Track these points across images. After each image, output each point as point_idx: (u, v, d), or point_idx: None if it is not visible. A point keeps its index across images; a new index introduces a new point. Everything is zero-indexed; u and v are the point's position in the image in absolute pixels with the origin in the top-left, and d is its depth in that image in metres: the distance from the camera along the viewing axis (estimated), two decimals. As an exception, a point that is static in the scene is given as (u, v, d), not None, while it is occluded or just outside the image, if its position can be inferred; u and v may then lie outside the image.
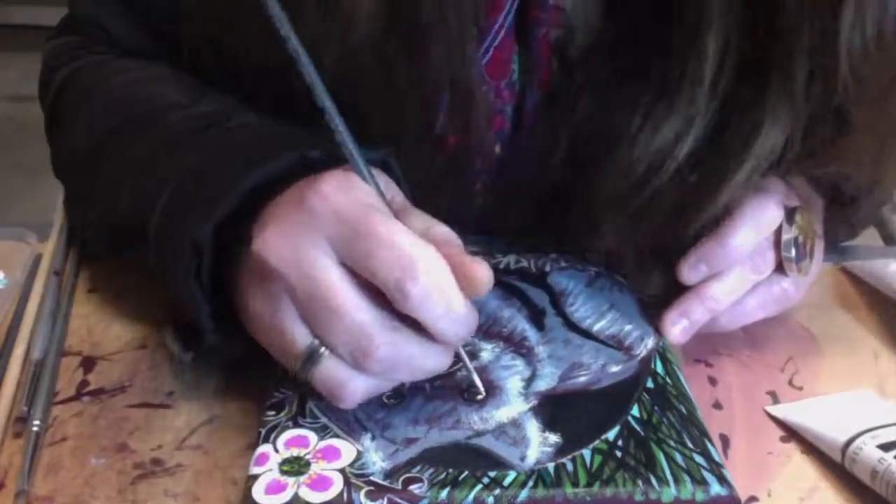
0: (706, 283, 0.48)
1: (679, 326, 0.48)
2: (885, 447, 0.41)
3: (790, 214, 0.48)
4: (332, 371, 0.39)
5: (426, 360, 0.40)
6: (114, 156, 0.51)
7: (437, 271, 0.38)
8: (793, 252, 0.48)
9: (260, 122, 0.50)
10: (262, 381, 0.47)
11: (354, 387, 0.40)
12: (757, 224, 0.48)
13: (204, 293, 0.42)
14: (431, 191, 0.48)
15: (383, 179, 0.43)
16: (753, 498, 0.41)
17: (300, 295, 0.39)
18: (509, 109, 0.54)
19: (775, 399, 0.48)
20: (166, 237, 0.43)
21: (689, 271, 0.48)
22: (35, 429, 0.43)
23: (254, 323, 0.41)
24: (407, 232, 0.38)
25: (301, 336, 0.39)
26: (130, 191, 0.47)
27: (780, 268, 0.49)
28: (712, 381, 0.49)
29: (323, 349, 0.39)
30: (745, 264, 0.48)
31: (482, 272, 0.39)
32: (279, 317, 0.40)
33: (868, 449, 0.41)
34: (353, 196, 0.39)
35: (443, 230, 0.41)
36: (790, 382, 0.49)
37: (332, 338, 0.39)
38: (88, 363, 0.48)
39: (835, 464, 0.43)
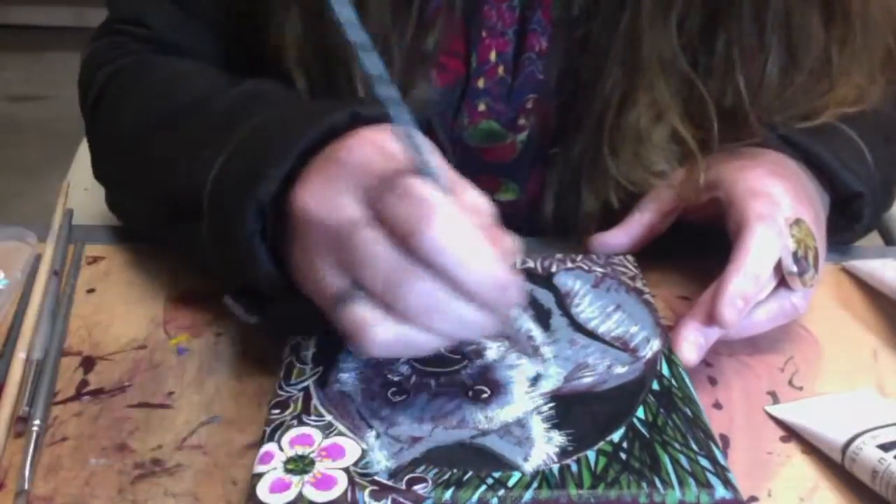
0: (710, 302, 0.47)
1: (694, 346, 0.47)
2: (885, 447, 0.41)
3: (787, 227, 0.49)
4: (359, 312, 0.38)
5: (464, 310, 0.38)
6: (164, 138, 0.52)
7: (456, 219, 0.37)
8: (794, 267, 0.48)
9: (302, 95, 0.53)
10: (262, 381, 0.47)
11: (382, 329, 0.38)
12: (771, 245, 0.48)
13: (268, 253, 0.43)
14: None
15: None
16: (753, 498, 0.41)
17: (332, 238, 0.39)
18: (511, 32, 0.58)
19: (775, 399, 0.48)
20: (227, 202, 0.44)
21: (729, 310, 0.46)
22: (35, 429, 0.43)
23: (297, 274, 0.42)
24: (429, 185, 0.38)
25: (333, 279, 0.39)
26: (185, 166, 0.49)
27: (785, 283, 0.49)
28: (712, 381, 0.49)
29: (354, 292, 0.39)
30: (744, 275, 0.48)
31: (507, 241, 0.39)
32: (315, 264, 0.40)
33: (868, 449, 0.41)
34: (381, 150, 0.40)
35: (472, 197, 0.40)
36: (790, 382, 0.49)
37: (364, 274, 0.38)
38: (88, 363, 0.48)
39: (835, 464, 0.43)
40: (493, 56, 0.58)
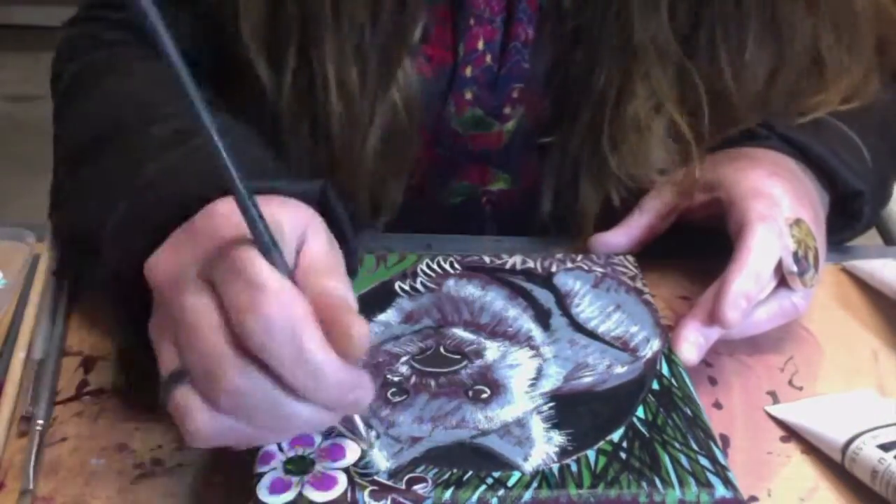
0: (711, 302, 0.47)
1: (694, 346, 0.47)
2: (885, 447, 0.41)
3: (787, 228, 0.48)
4: (182, 398, 0.35)
5: (295, 408, 0.35)
6: (91, 163, 0.50)
7: (286, 311, 0.33)
8: (795, 267, 0.48)
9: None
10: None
11: (202, 420, 0.35)
12: (772, 245, 0.48)
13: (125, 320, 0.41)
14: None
15: (301, 224, 0.38)
16: (753, 498, 0.41)
17: (168, 312, 0.36)
18: (499, 20, 0.58)
19: (775, 399, 0.48)
20: (105, 261, 0.42)
21: (732, 311, 0.46)
22: (38, 428, 0.43)
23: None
24: (268, 267, 0.34)
25: (167, 356, 0.36)
26: (95, 204, 0.46)
27: (786, 283, 0.49)
28: (712, 380, 0.49)
29: (182, 375, 0.35)
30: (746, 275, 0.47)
31: (357, 329, 0.34)
32: (156, 336, 0.37)
33: (868, 449, 0.41)
34: (239, 227, 0.35)
35: (334, 287, 0.36)
36: (790, 382, 0.49)
37: (187, 358, 0.35)
38: (88, 363, 0.48)
39: (835, 464, 0.43)
40: (480, 45, 0.59)
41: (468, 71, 0.59)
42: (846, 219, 0.57)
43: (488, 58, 0.59)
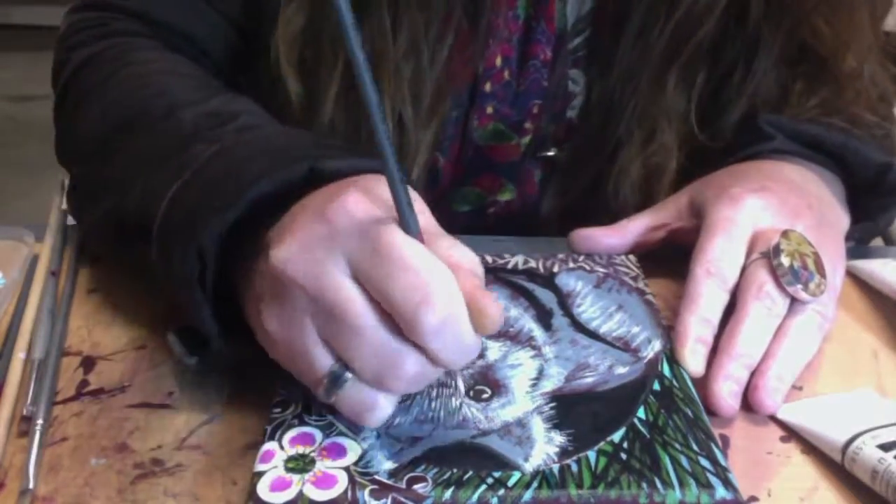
0: (730, 340, 0.47)
1: (729, 392, 0.45)
2: (885, 447, 0.41)
3: (776, 247, 0.48)
4: (358, 395, 0.38)
5: (433, 376, 0.39)
6: (125, 147, 0.50)
7: (453, 303, 0.36)
8: (793, 281, 0.47)
9: (270, 125, 0.50)
10: (262, 381, 0.47)
11: (384, 407, 0.39)
12: (715, 293, 0.48)
13: (207, 298, 0.42)
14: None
15: (412, 195, 0.40)
16: (753, 498, 0.41)
17: (319, 313, 0.37)
18: (515, 39, 0.60)
19: (775, 399, 0.48)
20: (171, 239, 0.43)
21: (693, 359, 0.46)
22: (38, 429, 0.43)
23: (271, 342, 0.40)
24: (427, 256, 0.36)
25: (322, 358, 0.38)
26: (141, 185, 0.47)
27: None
28: (712, 381, 0.49)
29: (347, 373, 0.38)
30: (757, 308, 0.47)
31: (493, 310, 0.37)
32: (299, 338, 0.38)
33: (868, 449, 0.41)
34: (376, 211, 0.37)
35: (464, 254, 0.39)
36: (790, 382, 0.49)
37: (356, 359, 0.37)
38: (88, 363, 0.48)
39: (835, 464, 0.43)
40: (498, 61, 0.60)
41: (487, 86, 0.60)
42: (885, 197, 0.57)
43: (506, 74, 0.60)
